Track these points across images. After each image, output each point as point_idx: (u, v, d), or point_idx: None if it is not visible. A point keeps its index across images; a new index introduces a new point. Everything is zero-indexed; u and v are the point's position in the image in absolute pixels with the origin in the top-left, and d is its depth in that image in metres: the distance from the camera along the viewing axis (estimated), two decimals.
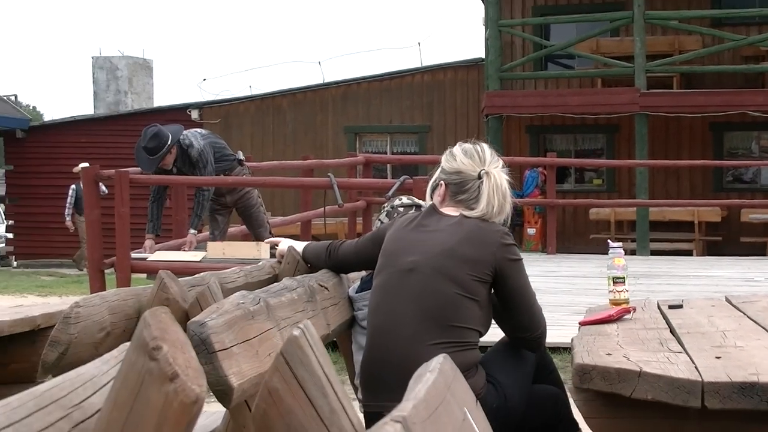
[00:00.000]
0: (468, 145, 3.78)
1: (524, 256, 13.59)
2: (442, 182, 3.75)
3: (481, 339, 3.65)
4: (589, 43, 18.71)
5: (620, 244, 4.61)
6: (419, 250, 3.58)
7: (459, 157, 3.74)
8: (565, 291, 10.29)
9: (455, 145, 3.82)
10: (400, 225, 3.76)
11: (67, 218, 19.00)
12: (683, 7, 18.91)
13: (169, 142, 8.71)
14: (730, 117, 17.83)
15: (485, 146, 3.80)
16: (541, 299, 9.81)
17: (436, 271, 3.51)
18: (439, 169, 3.81)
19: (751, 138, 19.65)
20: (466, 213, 3.65)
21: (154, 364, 1.30)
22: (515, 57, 19.61)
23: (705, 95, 17.63)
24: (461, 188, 3.70)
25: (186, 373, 1.30)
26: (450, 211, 3.69)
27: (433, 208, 3.73)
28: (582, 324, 4.04)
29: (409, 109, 21.27)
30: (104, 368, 1.58)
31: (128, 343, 1.39)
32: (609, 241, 4.74)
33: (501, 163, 3.78)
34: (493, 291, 3.63)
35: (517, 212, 18.92)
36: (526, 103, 18.30)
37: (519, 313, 3.67)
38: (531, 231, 18.67)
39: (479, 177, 3.67)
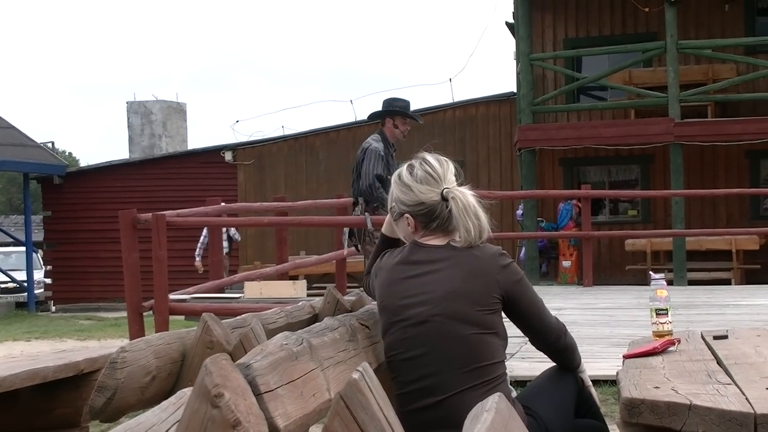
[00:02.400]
0: (418, 170, 3.55)
1: (560, 289, 13.62)
2: (408, 215, 3.57)
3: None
4: (622, 74, 18.68)
5: (662, 275, 4.57)
6: (423, 299, 3.45)
7: (415, 187, 3.54)
8: (604, 323, 10.19)
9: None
10: (390, 275, 3.59)
11: (197, 258, 18.69)
12: (716, 35, 18.87)
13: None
14: (765, 144, 17.73)
15: (433, 161, 3.57)
16: (579, 332, 9.78)
17: (449, 317, 3.41)
18: (395, 198, 3.61)
19: None
20: (452, 242, 3.52)
21: (217, 412, 1.29)
22: (547, 90, 19.62)
23: (740, 123, 17.54)
24: (430, 217, 3.53)
25: (248, 419, 1.29)
26: (432, 241, 3.55)
27: (415, 244, 3.58)
28: (626, 357, 4.01)
29: (442, 144, 21.08)
30: (163, 416, 1.57)
31: (185, 390, 1.39)
32: (650, 272, 4.71)
33: (453, 168, 3.60)
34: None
35: (552, 245, 18.87)
36: (559, 136, 18.27)
37: (534, 324, 3.63)
38: (566, 264, 18.59)
39: (444, 199, 3.50)
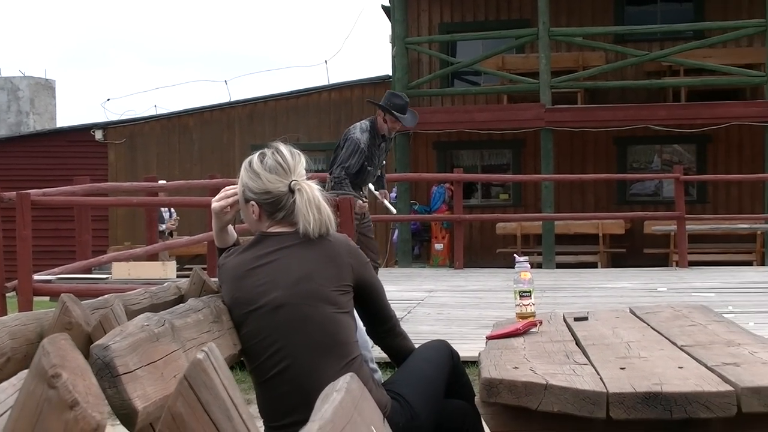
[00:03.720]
0: (269, 159, 3.57)
1: (432, 271, 13.73)
2: (253, 202, 3.58)
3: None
4: (495, 59, 18.93)
5: (526, 258, 4.65)
6: (277, 284, 3.45)
7: (263, 175, 3.55)
8: (473, 305, 10.35)
9: (255, 156, 3.64)
10: (238, 269, 3.55)
11: (163, 226, 17.94)
12: (587, 23, 19.26)
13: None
14: (633, 131, 18.20)
15: (286, 152, 3.59)
16: (449, 314, 9.90)
17: (305, 298, 3.43)
18: (243, 184, 3.61)
19: (653, 151, 20.05)
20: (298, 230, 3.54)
21: (54, 392, 1.27)
22: (422, 74, 19.76)
23: (609, 110, 17.94)
24: (276, 207, 3.55)
25: (86, 400, 1.27)
26: (279, 229, 3.57)
27: (262, 235, 3.58)
28: (489, 338, 4.08)
29: (316, 127, 21.27)
30: (2, 397, 1.54)
31: (25, 371, 1.36)
32: (515, 255, 4.79)
33: (304, 162, 3.63)
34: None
35: (425, 228, 19.04)
36: (433, 120, 18.41)
37: (380, 308, 3.75)
38: (438, 246, 18.80)
39: (291, 191, 3.53)
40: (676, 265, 15.11)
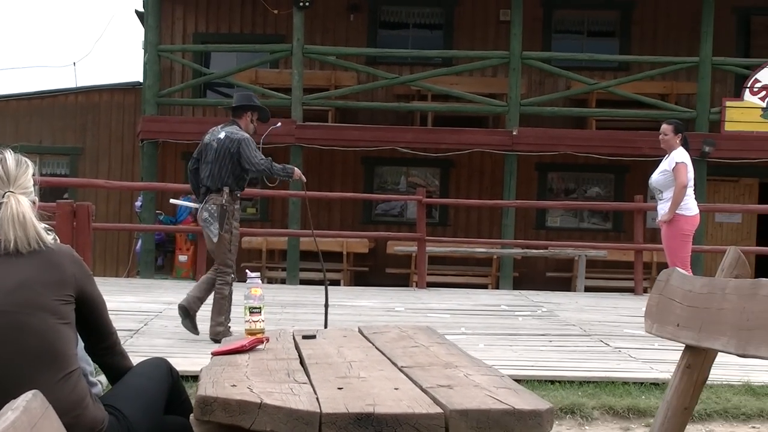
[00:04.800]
0: None
1: (174, 283, 13.43)
2: None
3: None
4: (249, 73, 18.90)
5: (258, 273, 4.63)
6: None
7: None
8: (208, 319, 10.22)
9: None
10: None
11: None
12: (341, 43, 19.53)
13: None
14: (381, 152, 18.54)
15: (10, 161, 3.46)
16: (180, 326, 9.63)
17: (23, 306, 3.30)
18: None
19: (400, 173, 20.50)
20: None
21: None
22: (174, 83, 19.52)
23: (358, 130, 18.20)
24: None
25: None
26: None
27: None
28: (215, 354, 4.01)
29: (61, 130, 20.57)
30: None
31: None
32: (247, 270, 4.76)
33: (30, 174, 3.51)
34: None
35: (170, 239, 18.75)
36: (182, 130, 18.17)
37: (101, 324, 3.63)
38: (183, 258, 18.54)
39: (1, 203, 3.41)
40: (416, 286, 15.46)
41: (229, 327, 8.78)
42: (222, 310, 8.80)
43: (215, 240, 8.86)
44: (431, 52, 18.93)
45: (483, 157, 19.09)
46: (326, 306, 8.49)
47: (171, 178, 19.28)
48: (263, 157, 8.97)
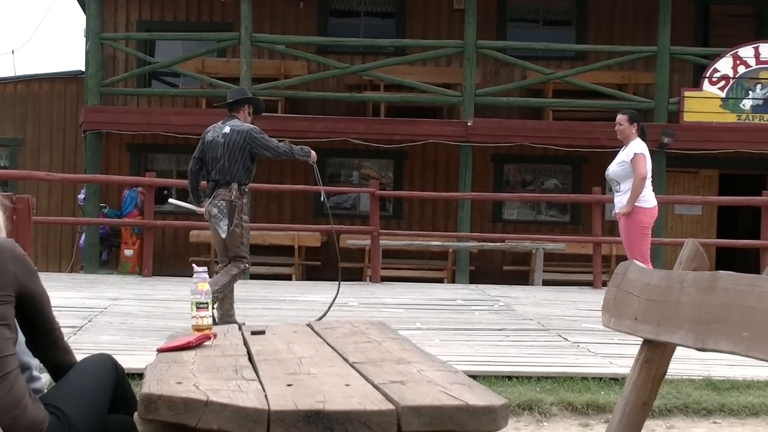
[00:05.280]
0: None
1: (119, 278, 13.36)
2: None
3: None
4: (195, 62, 18.78)
5: (205, 268, 4.59)
6: None
7: None
8: (159, 315, 10.17)
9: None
10: None
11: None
12: (290, 32, 19.46)
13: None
14: (332, 143, 18.47)
15: None
16: (132, 324, 9.68)
17: None
18: None
19: (352, 165, 20.48)
20: None
21: None
22: (117, 72, 19.34)
23: (308, 121, 18.14)
24: None
25: None
26: None
27: None
28: (160, 351, 3.98)
29: (0, 120, 20.33)
30: None
31: None
32: (194, 264, 4.72)
33: None
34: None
35: (115, 233, 18.61)
36: (126, 120, 18.03)
37: (45, 320, 3.60)
38: (128, 252, 18.40)
39: None
40: (370, 280, 15.46)
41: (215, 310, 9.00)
42: (219, 282, 9.03)
43: (224, 236, 9.13)
44: (383, 41, 18.93)
45: (437, 149, 19.11)
46: (331, 303, 9.05)
47: (115, 170, 19.13)
48: (277, 142, 9.27)
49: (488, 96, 17.98)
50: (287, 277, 17.42)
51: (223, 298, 9.14)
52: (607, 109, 17.70)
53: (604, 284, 14.44)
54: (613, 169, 9.85)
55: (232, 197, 9.10)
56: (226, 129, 9.24)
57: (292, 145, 9.35)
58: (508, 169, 20.42)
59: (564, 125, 18.12)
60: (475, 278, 17.20)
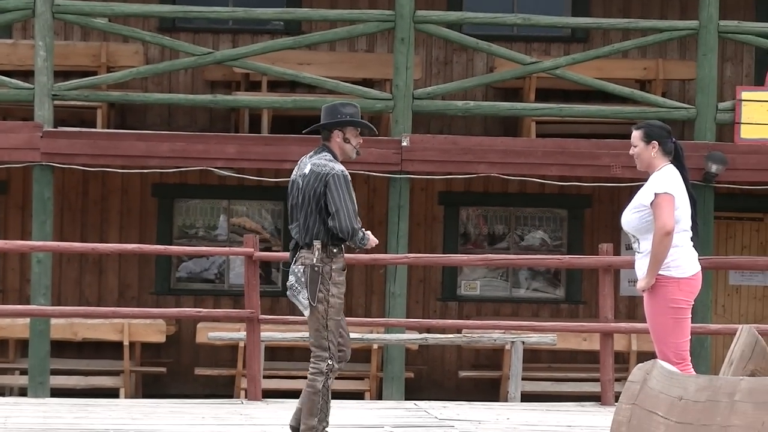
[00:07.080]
0: None
1: None
2: None
3: None
4: None
5: None
6: None
7: None
8: None
9: None
10: None
11: None
12: None
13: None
14: (186, 176, 18.59)
15: None
16: None
17: None
18: None
19: (217, 210, 20.59)
20: None
21: None
22: None
23: (146, 140, 18.04)
24: None
25: None
26: None
27: None
28: None
29: None
30: None
31: None
32: None
33: None
34: None
35: None
36: None
37: None
38: None
39: None
40: (245, 396, 15.36)
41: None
42: (314, 409, 9.60)
43: (306, 313, 9.82)
44: (266, 11, 18.85)
45: (356, 182, 19.09)
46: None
47: None
48: (355, 213, 9.95)
49: (434, 99, 17.99)
50: (112, 394, 17.25)
51: (310, 409, 9.61)
52: (621, 118, 17.84)
53: (618, 398, 14.48)
54: (629, 217, 9.68)
55: (314, 261, 9.65)
56: (307, 168, 9.93)
57: (358, 234, 9.86)
58: (466, 215, 20.51)
59: (555, 145, 18.17)
60: (414, 391, 17.22)
